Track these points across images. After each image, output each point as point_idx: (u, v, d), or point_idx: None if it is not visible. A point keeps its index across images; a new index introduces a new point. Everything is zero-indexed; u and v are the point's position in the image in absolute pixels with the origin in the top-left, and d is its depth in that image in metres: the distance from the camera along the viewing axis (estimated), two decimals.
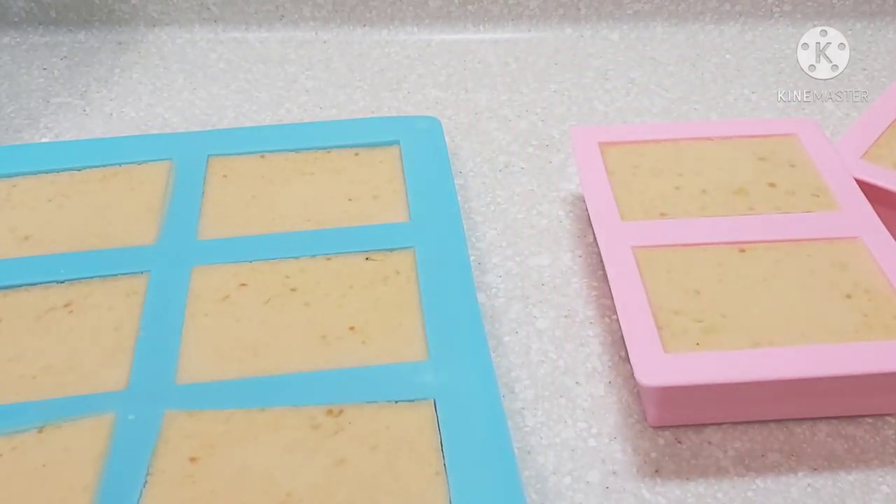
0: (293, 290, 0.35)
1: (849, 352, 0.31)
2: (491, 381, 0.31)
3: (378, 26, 0.58)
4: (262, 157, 0.42)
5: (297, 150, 0.42)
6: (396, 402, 0.31)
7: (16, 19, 0.57)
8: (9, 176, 0.41)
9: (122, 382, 0.32)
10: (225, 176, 0.41)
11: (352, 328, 0.34)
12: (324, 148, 0.43)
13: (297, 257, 0.37)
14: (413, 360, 0.32)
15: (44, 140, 0.48)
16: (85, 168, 0.41)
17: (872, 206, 0.38)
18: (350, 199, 0.40)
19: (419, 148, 0.42)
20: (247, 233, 0.38)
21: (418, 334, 0.33)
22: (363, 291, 0.35)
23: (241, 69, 0.55)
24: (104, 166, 0.41)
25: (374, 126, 0.44)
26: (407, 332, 0.33)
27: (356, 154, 0.42)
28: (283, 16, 0.57)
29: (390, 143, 0.43)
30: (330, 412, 0.30)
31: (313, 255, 0.37)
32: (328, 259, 0.36)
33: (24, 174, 0.41)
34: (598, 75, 0.54)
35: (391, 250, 0.37)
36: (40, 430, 0.30)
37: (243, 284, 0.35)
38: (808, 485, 0.32)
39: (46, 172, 0.41)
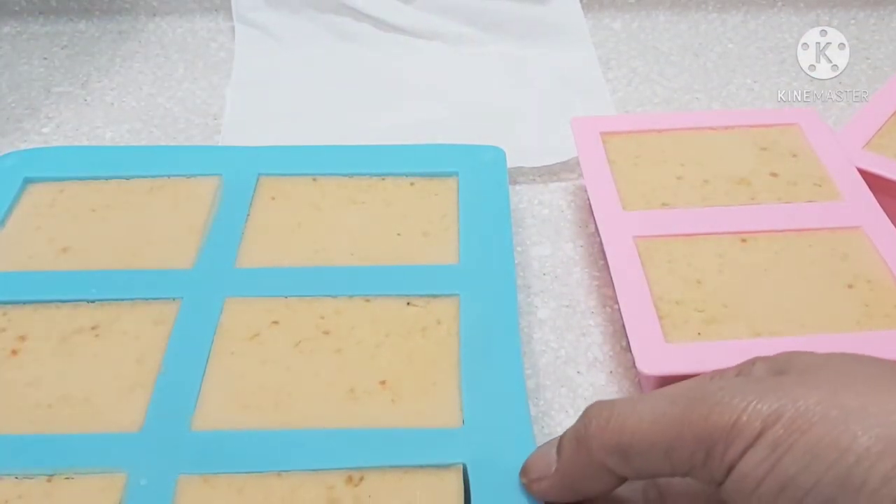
0: (326, 332, 0.34)
1: (850, 341, 0.31)
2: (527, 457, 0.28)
3: None
4: (314, 179, 0.40)
5: (350, 175, 0.41)
6: (421, 467, 0.29)
7: (16, 9, 0.57)
8: (58, 179, 0.40)
9: (137, 424, 0.30)
10: (273, 198, 0.39)
11: (382, 382, 0.32)
12: (379, 175, 0.41)
13: (334, 296, 0.35)
14: (445, 427, 0.30)
15: (44, 130, 0.48)
16: (133, 177, 0.40)
17: (874, 195, 0.38)
18: (399, 234, 0.38)
19: (478, 182, 0.40)
20: (287, 263, 0.36)
21: (453, 397, 0.31)
22: (399, 341, 0.33)
23: None
24: (153, 177, 0.40)
25: (433, 153, 0.42)
26: (441, 392, 0.31)
27: (412, 184, 0.40)
28: None
29: (448, 175, 0.40)
30: (350, 479, 0.29)
31: (351, 296, 0.35)
32: (367, 301, 0.35)
33: (72, 179, 0.40)
34: (600, 65, 0.54)
35: (434, 296, 0.35)
36: (49, 479, 0.29)
37: (275, 322, 0.34)
38: None
39: (94, 179, 0.40)
